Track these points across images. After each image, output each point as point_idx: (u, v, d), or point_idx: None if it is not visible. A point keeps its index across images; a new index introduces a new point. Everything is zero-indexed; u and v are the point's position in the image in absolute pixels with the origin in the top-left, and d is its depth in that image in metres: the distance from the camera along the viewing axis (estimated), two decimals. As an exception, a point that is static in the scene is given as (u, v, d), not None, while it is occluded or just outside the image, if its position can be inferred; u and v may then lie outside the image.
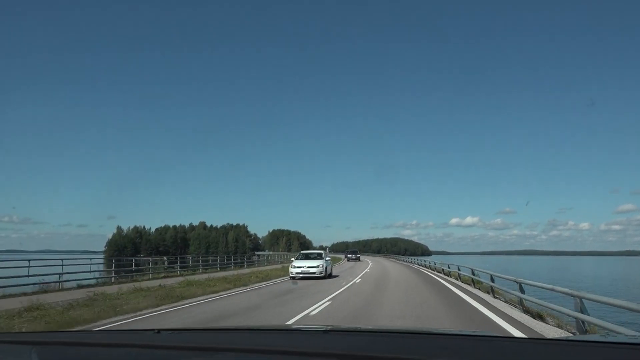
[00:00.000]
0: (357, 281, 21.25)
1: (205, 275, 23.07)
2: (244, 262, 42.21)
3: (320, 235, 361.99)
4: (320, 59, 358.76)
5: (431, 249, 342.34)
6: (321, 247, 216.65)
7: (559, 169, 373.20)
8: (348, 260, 56.11)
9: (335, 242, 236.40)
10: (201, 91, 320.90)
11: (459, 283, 19.58)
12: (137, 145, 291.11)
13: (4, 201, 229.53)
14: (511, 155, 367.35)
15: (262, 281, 21.29)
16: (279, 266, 36.29)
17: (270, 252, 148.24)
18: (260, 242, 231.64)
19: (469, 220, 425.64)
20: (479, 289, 16.44)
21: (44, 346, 1.81)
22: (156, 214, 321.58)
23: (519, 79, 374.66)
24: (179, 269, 28.63)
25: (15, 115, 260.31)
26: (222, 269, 32.59)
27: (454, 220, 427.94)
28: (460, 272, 21.02)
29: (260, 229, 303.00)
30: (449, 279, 22.59)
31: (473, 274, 17.99)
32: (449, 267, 25.17)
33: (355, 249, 69.77)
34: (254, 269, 32.64)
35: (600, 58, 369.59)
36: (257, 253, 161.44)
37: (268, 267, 36.27)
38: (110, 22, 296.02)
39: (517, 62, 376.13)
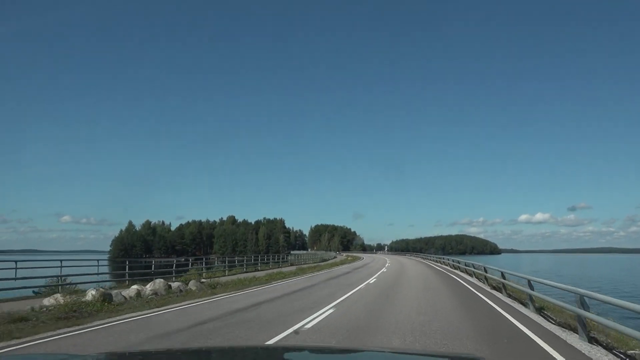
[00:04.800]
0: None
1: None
2: (258, 263, 36.51)
3: (381, 233, 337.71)
4: (366, 47, 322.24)
5: (500, 246, 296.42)
6: (378, 245, 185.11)
7: (638, 159, 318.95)
8: None
9: (395, 240, 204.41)
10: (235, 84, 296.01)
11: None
12: (196, 147, 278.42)
13: (83, 205, 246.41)
14: (585, 146, 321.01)
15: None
16: (275, 271, 27.62)
17: (303, 252, 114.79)
18: (306, 239, 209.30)
19: (539, 216, 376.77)
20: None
21: None
22: (212, 210, 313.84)
23: (593, 63, 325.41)
24: (174, 272, 21.96)
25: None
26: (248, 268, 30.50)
27: (523, 217, 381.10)
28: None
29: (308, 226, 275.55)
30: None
31: None
32: None
33: None
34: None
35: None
36: (292, 252, 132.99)
37: (262, 273, 25.97)
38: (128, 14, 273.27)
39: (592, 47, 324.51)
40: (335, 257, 65.09)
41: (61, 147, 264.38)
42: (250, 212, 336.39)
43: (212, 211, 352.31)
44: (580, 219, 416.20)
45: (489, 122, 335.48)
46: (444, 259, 43.27)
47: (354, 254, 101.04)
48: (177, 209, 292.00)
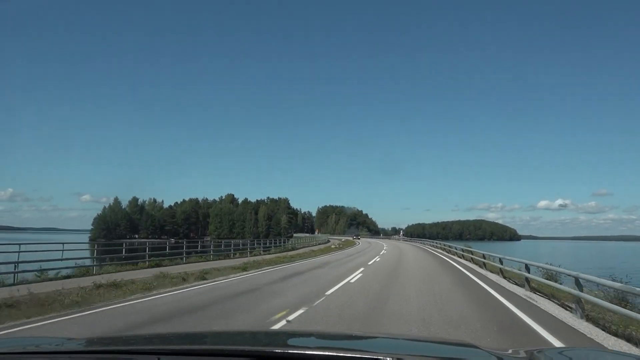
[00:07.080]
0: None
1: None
2: (239, 250, 30.32)
3: (397, 217, 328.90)
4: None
5: (518, 232, 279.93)
6: (393, 229, 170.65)
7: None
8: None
9: (410, 224, 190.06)
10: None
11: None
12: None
13: (102, 184, 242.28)
14: (607, 132, 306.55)
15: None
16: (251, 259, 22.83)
17: (306, 235, 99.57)
18: (315, 221, 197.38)
19: (559, 202, 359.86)
20: None
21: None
22: (227, 191, 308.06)
23: (614, 48, 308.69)
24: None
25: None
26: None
27: (542, 203, 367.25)
28: None
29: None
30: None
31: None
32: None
33: None
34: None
35: None
36: (295, 235, 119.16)
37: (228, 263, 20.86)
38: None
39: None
40: (318, 245, 52.73)
41: (82, 126, 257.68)
42: (260, 194, 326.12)
43: (226, 191, 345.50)
44: (601, 206, 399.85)
45: (509, 106, 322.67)
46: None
47: (354, 239, 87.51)
48: (191, 189, 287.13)
